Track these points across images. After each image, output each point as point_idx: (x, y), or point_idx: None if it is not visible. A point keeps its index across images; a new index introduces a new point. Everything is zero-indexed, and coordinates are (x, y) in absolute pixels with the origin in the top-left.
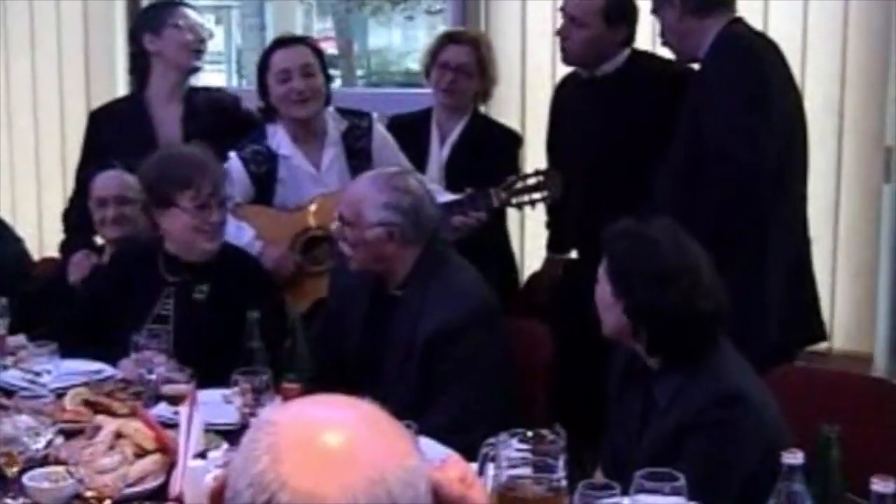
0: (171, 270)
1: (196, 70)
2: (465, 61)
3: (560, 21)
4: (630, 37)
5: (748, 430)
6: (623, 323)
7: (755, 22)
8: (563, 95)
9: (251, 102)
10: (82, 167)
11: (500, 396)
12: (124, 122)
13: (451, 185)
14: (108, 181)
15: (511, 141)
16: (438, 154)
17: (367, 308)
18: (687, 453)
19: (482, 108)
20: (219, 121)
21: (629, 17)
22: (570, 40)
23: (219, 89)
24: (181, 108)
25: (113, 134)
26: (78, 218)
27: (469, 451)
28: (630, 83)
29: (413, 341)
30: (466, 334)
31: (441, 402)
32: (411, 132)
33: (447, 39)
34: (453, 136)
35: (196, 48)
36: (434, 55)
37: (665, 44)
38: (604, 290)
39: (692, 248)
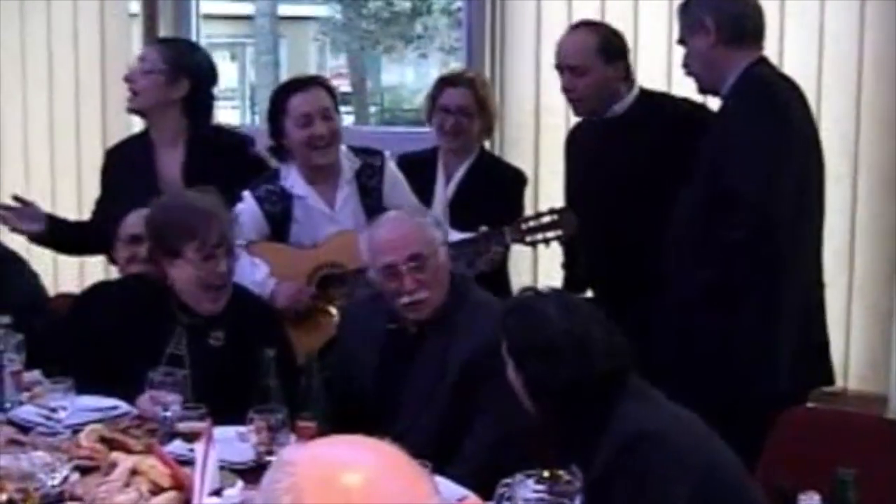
0: (183, 311)
1: (136, 112)
2: (465, 103)
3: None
4: (627, 70)
5: (664, 463)
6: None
7: None
8: (576, 139)
9: (264, 142)
10: (99, 203)
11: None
12: (131, 162)
13: (454, 225)
14: (142, 220)
15: (516, 181)
16: (443, 193)
17: (383, 349)
18: None
19: (495, 150)
20: (223, 163)
21: (623, 50)
22: (577, 91)
23: (227, 130)
24: (183, 150)
25: (121, 173)
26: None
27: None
28: (641, 122)
29: (438, 383)
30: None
31: (475, 431)
32: (418, 170)
33: (444, 84)
34: (458, 175)
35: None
36: (433, 100)
37: (689, 73)
38: (509, 368)
39: (581, 314)
